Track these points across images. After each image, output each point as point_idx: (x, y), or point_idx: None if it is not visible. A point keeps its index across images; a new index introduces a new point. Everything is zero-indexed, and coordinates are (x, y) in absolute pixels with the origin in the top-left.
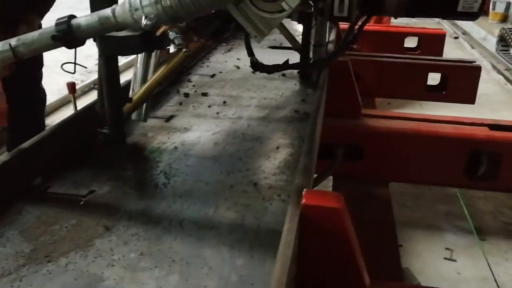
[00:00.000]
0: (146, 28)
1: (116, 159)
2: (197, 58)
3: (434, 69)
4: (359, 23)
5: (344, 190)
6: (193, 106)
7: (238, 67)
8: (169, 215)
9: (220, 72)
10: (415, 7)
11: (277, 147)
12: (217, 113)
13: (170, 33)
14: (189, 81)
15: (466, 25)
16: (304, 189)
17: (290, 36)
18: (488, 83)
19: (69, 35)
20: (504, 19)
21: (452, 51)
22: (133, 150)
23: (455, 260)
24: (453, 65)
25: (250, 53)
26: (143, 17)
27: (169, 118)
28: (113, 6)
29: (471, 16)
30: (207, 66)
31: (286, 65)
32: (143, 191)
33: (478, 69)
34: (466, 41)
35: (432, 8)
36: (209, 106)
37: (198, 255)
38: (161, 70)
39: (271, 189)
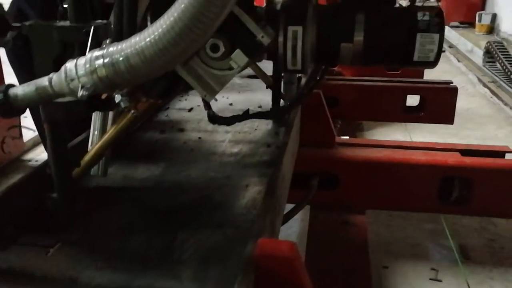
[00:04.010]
0: (82, 98)
1: (86, 206)
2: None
3: (412, 91)
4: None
5: (321, 218)
6: (168, 143)
7: (216, 100)
8: (133, 264)
9: (198, 106)
10: (370, 58)
11: (247, 185)
12: (192, 149)
13: (116, 95)
14: (167, 116)
15: (453, 38)
16: (259, 238)
17: (261, 73)
18: (474, 97)
19: (5, 105)
20: (490, 30)
21: (439, 64)
22: (103, 194)
23: (440, 281)
24: (430, 87)
25: (207, 106)
26: (80, 87)
27: (142, 159)
28: (51, 75)
29: (428, 64)
30: (185, 99)
31: (246, 116)
32: (111, 239)
33: (455, 90)
34: (453, 54)
35: (387, 58)
36: (184, 143)
37: None
38: (111, 131)
39: (237, 230)
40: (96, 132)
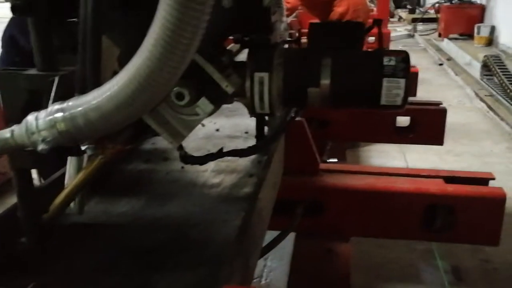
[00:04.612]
0: (43, 152)
1: (61, 246)
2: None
3: (402, 112)
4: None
5: (305, 245)
6: (151, 174)
7: (203, 125)
8: None
9: None
10: (337, 101)
11: (225, 220)
12: (174, 181)
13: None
14: (153, 143)
15: (451, 50)
16: (225, 284)
17: (246, 99)
18: (471, 111)
19: None
20: (489, 42)
21: (436, 78)
22: (80, 232)
23: None
24: (420, 109)
25: (179, 147)
26: (40, 141)
27: (124, 191)
28: (13, 127)
29: (395, 108)
30: None
31: (220, 154)
32: (84, 281)
33: (444, 111)
34: (451, 67)
35: (355, 101)
36: (167, 173)
37: None
38: (80, 175)
39: (209, 272)
40: (71, 171)
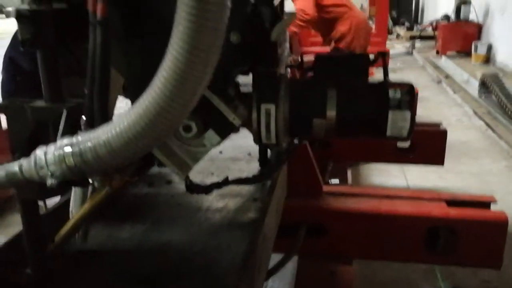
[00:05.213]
0: (52, 186)
1: (64, 273)
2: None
3: None
4: None
5: (308, 268)
6: (155, 198)
7: None
8: None
9: None
10: (343, 132)
11: (229, 245)
12: (178, 204)
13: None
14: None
15: (449, 67)
16: None
17: (252, 130)
18: (470, 129)
19: None
20: (486, 60)
21: (435, 96)
22: (83, 258)
23: None
24: (420, 130)
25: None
26: (49, 175)
27: (128, 216)
28: (21, 161)
29: (401, 139)
30: None
31: (225, 182)
32: None
33: (444, 133)
34: (449, 85)
35: (361, 132)
36: (172, 197)
37: None
38: (85, 206)
39: None
40: (77, 201)
